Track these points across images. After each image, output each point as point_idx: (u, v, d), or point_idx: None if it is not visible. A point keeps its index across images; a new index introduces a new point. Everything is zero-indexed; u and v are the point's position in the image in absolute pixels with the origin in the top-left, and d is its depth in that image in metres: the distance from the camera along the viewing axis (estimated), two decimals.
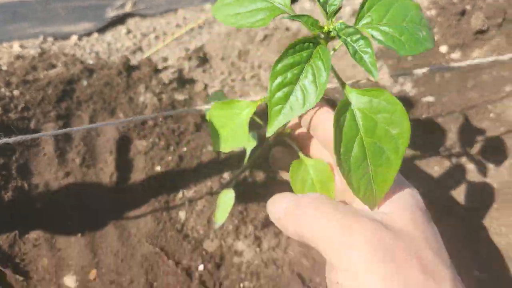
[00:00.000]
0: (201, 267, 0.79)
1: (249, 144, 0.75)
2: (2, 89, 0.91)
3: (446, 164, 0.92)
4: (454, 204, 0.87)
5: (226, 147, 0.54)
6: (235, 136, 0.53)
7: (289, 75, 0.41)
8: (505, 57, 0.63)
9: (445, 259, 0.40)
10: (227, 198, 0.73)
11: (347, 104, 0.41)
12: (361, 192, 0.42)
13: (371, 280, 0.36)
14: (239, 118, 0.53)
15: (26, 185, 0.81)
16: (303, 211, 0.42)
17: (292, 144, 0.59)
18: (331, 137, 0.41)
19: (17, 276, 0.71)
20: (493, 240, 0.83)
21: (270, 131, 0.42)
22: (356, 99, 0.41)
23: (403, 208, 0.42)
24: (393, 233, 0.39)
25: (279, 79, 0.41)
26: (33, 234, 0.77)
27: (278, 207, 0.45)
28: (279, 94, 0.41)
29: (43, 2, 1.43)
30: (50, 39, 1.16)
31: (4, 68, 1.01)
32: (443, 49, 1.10)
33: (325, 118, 0.47)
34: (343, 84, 0.44)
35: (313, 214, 0.41)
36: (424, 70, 0.58)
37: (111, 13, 1.26)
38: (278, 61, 0.41)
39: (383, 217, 0.41)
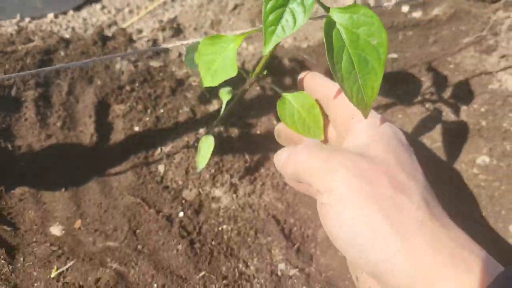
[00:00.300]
0: (181, 214, 0.83)
1: (225, 96, 0.81)
2: None
3: (411, 110, 0.97)
4: (418, 144, 0.92)
5: (216, 81, 0.59)
6: (224, 69, 0.58)
7: None
8: None
9: (418, 179, 0.45)
10: (207, 144, 0.78)
11: (332, 22, 0.47)
12: (354, 98, 0.48)
13: (346, 197, 0.42)
14: (226, 51, 0.58)
15: (9, 146, 0.85)
16: (299, 153, 0.50)
17: (272, 86, 0.65)
18: (325, 95, 0.54)
19: (5, 227, 0.75)
20: (454, 175, 0.88)
21: (266, 50, 0.48)
22: (338, 17, 0.48)
23: (380, 138, 0.48)
24: (368, 158, 0.45)
25: (271, 3, 0.47)
26: (19, 190, 0.81)
27: (281, 156, 0.54)
28: (272, 16, 0.47)
29: None
30: (27, 18, 1.19)
31: None
32: (405, 9, 1.16)
33: (317, 80, 0.57)
34: (325, 7, 0.49)
35: (305, 153, 0.49)
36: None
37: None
38: None
39: (361, 149, 0.47)
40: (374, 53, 0.48)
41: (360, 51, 0.48)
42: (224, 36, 0.58)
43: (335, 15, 0.48)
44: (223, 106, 0.81)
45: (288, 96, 0.62)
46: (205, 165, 0.78)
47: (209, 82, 0.60)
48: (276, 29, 0.48)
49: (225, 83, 0.67)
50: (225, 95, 0.83)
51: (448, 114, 0.96)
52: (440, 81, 1.01)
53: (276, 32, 0.48)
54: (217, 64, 0.59)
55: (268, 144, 0.97)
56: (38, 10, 1.23)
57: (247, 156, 0.92)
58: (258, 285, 0.76)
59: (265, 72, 0.67)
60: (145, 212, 0.82)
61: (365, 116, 0.49)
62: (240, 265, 0.78)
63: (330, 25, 0.47)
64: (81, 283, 0.70)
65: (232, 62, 0.58)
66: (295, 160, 0.49)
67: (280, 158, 0.53)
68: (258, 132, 0.98)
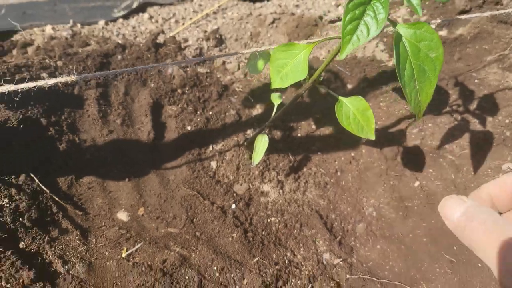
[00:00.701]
0: (233, 206, 0.90)
1: (277, 100, 0.90)
2: (47, 60, 1.02)
3: (440, 119, 1.06)
4: (445, 150, 1.00)
5: (285, 83, 0.67)
6: (294, 72, 0.67)
7: (357, 12, 0.55)
8: (486, 13, 0.77)
9: None
10: (263, 141, 0.86)
11: (399, 35, 0.56)
12: (412, 102, 0.57)
13: None
14: (298, 57, 0.67)
15: (76, 139, 0.92)
16: (477, 228, 0.45)
17: (325, 89, 0.73)
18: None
19: (77, 211, 0.82)
20: (481, 180, 0.96)
21: (343, 55, 0.55)
22: (404, 32, 0.56)
23: None
24: None
25: (350, 15, 0.55)
26: (87, 179, 0.88)
27: (451, 216, 0.48)
28: (349, 26, 0.55)
29: (50, 2, 1.54)
30: (78, 24, 1.27)
31: (42, 45, 1.12)
32: (432, 27, 1.25)
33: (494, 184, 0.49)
34: (393, 22, 0.58)
35: (483, 237, 0.44)
36: (438, 20, 0.73)
37: (117, 14, 1.35)
38: (350, 1, 0.55)
39: None
40: (431, 64, 0.57)
41: (420, 62, 0.57)
42: (297, 44, 0.67)
43: (402, 30, 0.56)
44: (275, 109, 0.89)
45: (344, 99, 0.70)
46: (259, 160, 0.86)
47: (278, 83, 0.68)
48: (352, 38, 0.56)
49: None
50: (276, 99, 0.91)
51: (474, 124, 1.04)
52: (466, 94, 1.10)
53: (352, 40, 0.57)
54: (288, 68, 0.67)
55: (309, 146, 1.05)
56: (67, 18, 1.30)
57: (290, 156, 1.00)
58: (306, 272, 0.83)
59: (321, 78, 0.76)
60: (200, 203, 0.89)
61: (419, 117, 0.57)
62: (289, 254, 0.85)
63: (397, 38, 0.56)
64: (149, 263, 0.77)
65: (303, 66, 0.66)
66: (471, 233, 0.45)
67: (451, 218, 0.48)
68: (299, 135, 1.06)
